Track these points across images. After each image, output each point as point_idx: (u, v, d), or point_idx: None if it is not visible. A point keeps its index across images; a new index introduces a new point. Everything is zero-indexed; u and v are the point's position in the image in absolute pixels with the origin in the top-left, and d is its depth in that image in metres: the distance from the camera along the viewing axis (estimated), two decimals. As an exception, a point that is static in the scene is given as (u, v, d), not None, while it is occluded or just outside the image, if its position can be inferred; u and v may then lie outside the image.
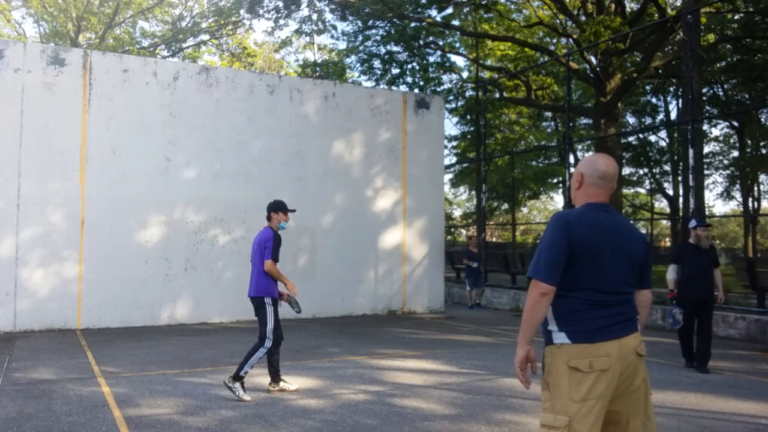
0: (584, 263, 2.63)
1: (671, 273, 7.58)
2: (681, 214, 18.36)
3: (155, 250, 10.91)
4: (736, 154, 29.89)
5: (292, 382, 6.20)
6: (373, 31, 22.90)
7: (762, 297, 10.76)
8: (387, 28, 22.03)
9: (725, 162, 31.44)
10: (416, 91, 22.44)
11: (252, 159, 11.85)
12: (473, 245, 15.14)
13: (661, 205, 39.61)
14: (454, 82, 28.03)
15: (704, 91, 21.82)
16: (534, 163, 31.77)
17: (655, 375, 7.14)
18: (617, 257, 2.69)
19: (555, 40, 24.83)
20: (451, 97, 26.82)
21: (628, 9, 18.64)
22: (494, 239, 36.39)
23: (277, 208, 6.18)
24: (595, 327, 2.59)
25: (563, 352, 2.60)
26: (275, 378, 6.04)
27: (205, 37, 28.91)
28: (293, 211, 6.29)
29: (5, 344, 8.66)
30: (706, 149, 29.47)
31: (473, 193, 35.72)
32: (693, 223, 7.75)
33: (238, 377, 5.68)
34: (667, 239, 43.20)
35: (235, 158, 11.68)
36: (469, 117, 27.52)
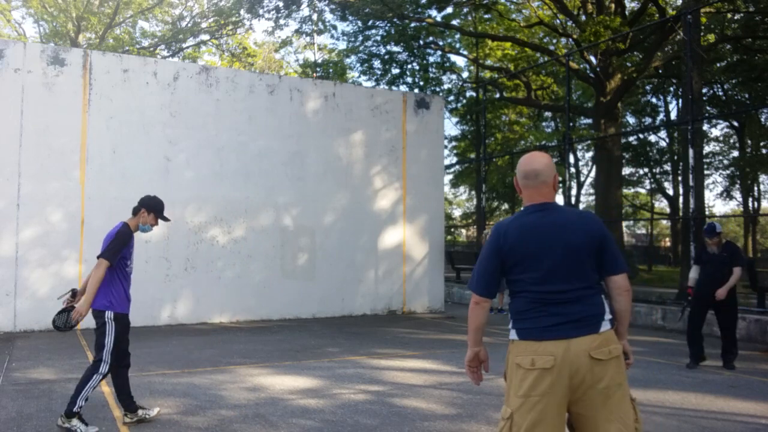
0: (521, 266, 2.69)
1: (692, 272, 8.12)
2: (681, 214, 18.34)
3: (155, 250, 10.90)
4: (736, 154, 29.92)
5: (151, 406, 5.22)
6: (373, 31, 22.92)
7: (762, 297, 10.78)
8: (387, 28, 22.04)
9: (725, 162, 31.49)
10: (416, 91, 22.44)
11: (252, 159, 11.85)
12: None
13: (661, 205, 39.67)
14: (454, 82, 28.07)
15: (704, 91, 21.80)
16: (534, 163, 31.73)
17: (655, 375, 7.15)
18: (554, 255, 2.64)
19: (555, 40, 24.85)
20: (451, 97, 26.83)
21: (628, 9, 18.65)
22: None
23: (154, 207, 5.02)
24: (542, 325, 2.61)
25: (513, 348, 2.71)
26: (130, 406, 4.88)
27: (205, 37, 28.95)
28: (168, 220, 5.22)
29: (5, 344, 8.66)
30: (706, 149, 29.50)
31: (473, 193, 35.75)
32: None
33: (72, 414, 4.58)
34: (667, 239, 43.21)
35: (235, 158, 11.68)
36: (469, 117, 27.55)
